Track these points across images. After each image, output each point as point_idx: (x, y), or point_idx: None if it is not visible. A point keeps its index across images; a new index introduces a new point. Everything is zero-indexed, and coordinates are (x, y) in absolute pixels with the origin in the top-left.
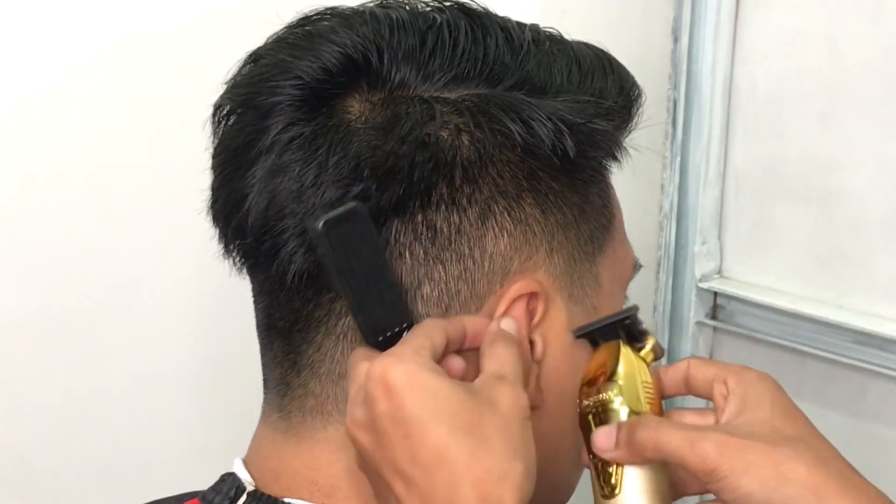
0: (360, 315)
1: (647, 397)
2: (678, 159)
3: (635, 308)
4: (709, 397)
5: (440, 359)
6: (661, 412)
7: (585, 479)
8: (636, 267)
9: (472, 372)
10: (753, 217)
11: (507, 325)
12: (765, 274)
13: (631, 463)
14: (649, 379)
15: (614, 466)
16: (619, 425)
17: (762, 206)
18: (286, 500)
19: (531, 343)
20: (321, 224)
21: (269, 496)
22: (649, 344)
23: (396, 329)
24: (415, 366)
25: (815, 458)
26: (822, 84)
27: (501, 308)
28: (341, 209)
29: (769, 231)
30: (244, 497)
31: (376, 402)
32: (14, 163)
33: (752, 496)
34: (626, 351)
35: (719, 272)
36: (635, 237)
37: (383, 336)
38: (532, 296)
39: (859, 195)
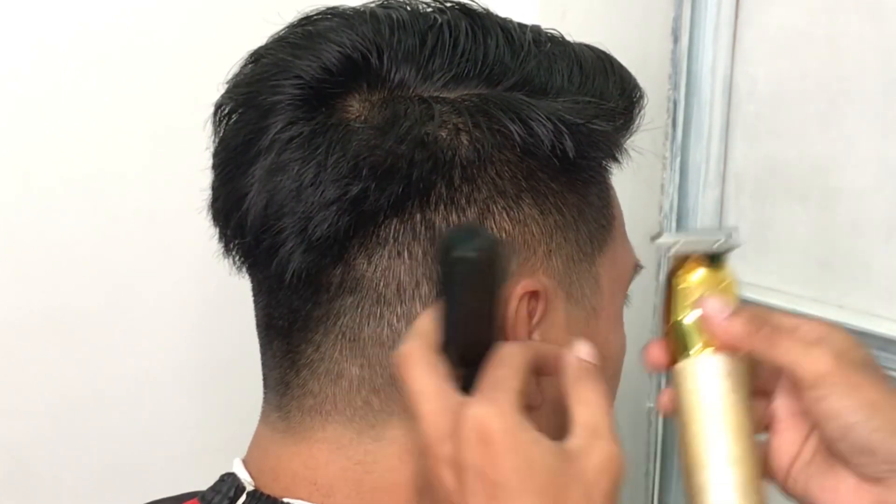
0: (451, 341)
1: None
2: (678, 160)
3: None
4: None
5: None
6: None
7: None
8: (637, 268)
9: (535, 398)
10: (753, 217)
11: (586, 352)
12: (765, 274)
13: (728, 346)
14: None
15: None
16: (737, 306)
17: (762, 207)
18: (285, 499)
19: None
20: (475, 253)
21: (269, 496)
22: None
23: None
24: (514, 424)
25: None
26: (822, 84)
27: (512, 305)
28: (486, 240)
29: (769, 231)
30: (243, 497)
31: (469, 450)
32: (14, 163)
33: (856, 411)
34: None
35: None
36: (635, 237)
37: (461, 360)
38: (533, 294)
39: (859, 195)
